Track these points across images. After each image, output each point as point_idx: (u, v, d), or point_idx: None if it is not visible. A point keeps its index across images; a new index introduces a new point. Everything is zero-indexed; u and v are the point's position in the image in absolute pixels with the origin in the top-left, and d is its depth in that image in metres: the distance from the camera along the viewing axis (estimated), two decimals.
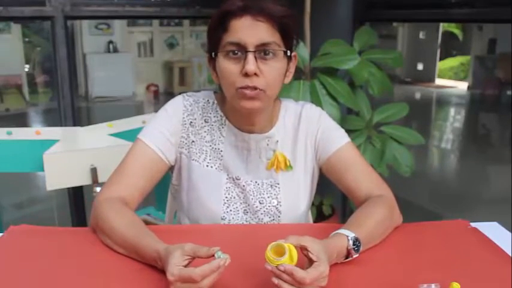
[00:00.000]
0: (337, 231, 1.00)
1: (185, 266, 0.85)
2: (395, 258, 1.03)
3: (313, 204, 2.49)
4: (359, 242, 0.98)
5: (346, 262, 0.98)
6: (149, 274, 0.94)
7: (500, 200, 3.60)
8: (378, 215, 1.08)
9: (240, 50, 1.05)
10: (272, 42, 1.05)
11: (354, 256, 0.97)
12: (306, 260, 0.88)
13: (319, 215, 2.48)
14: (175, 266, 0.84)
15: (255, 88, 1.06)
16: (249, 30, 1.04)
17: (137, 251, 0.98)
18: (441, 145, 6.04)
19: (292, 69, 1.16)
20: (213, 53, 1.10)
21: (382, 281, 0.93)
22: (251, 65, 1.03)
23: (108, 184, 1.14)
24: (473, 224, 1.18)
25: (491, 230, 1.15)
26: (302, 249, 0.88)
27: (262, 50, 1.05)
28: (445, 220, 1.25)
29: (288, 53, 1.10)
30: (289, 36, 1.09)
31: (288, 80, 1.15)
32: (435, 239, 1.13)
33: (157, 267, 0.93)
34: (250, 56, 1.04)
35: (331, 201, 2.55)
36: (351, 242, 0.97)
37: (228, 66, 1.07)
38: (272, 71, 1.07)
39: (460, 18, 2.71)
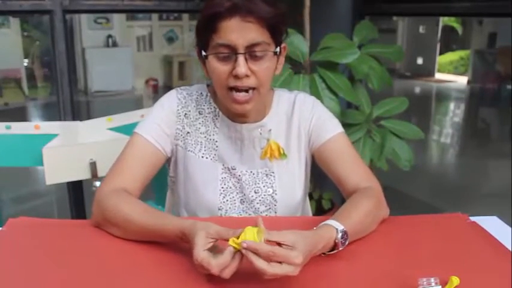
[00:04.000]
0: (325, 222, 1.00)
1: (211, 247, 0.88)
2: (394, 252, 1.04)
3: (312, 198, 2.51)
4: (347, 236, 0.98)
5: (344, 254, 0.98)
6: (151, 266, 0.95)
7: (499, 194, 3.60)
8: (365, 207, 1.09)
9: (230, 52, 1.05)
10: (262, 42, 1.06)
11: (340, 249, 0.97)
12: None
13: (319, 209, 2.49)
14: (200, 250, 0.86)
15: (247, 90, 1.07)
16: (238, 31, 1.04)
17: (159, 233, 1.00)
18: (441, 139, 6.04)
19: (282, 61, 1.17)
20: (203, 53, 1.10)
21: (381, 274, 0.93)
22: (242, 67, 1.04)
23: (109, 177, 1.15)
24: (472, 218, 1.18)
25: (491, 224, 1.15)
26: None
27: (253, 51, 1.05)
28: (444, 214, 1.25)
29: (278, 49, 1.10)
30: (278, 33, 1.10)
31: (278, 71, 1.16)
32: (434, 232, 1.13)
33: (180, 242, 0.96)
34: (241, 58, 1.05)
35: (331, 196, 2.56)
36: (339, 235, 0.97)
37: (218, 67, 1.07)
38: (263, 70, 1.08)
39: (460, 12, 2.70)
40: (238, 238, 0.86)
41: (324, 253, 0.97)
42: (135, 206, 1.06)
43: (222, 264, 0.85)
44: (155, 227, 1.00)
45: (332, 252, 0.98)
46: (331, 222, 0.99)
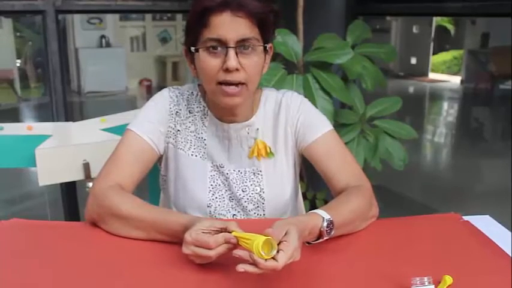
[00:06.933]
0: (312, 211, 1.01)
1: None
2: (388, 252, 1.04)
3: (306, 198, 2.51)
4: (332, 225, 0.99)
5: (338, 254, 0.98)
6: (148, 268, 0.94)
7: (492, 193, 3.62)
8: (353, 203, 1.10)
9: (221, 46, 1.06)
10: (252, 38, 1.07)
11: (325, 238, 0.98)
12: None
13: (313, 209, 2.49)
14: (197, 230, 0.91)
15: (237, 85, 1.08)
16: (229, 26, 1.05)
17: (160, 229, 1.03)
18: (434, 139, 6.07)
19: (268, 61, 1.18)
20: (192, 48, 1.11)
21: (375, 274, 0.94)
22: (232, 60, 1.05)
23: (104, 174, 1.15)
24: (465, 217, 1.19)
25: (483, 223, 1.16)
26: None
27: (242, 45, 1.07)
28: (437, 213, 1.26)
29: (266, 46, 1.12)
30: (267, 30, 1.11)
31: (264, 70, 1.17)
32: (428, 232, 1.13)
33: (177, 242, 0.98)
34: (232, 52, 1.06)
35: (325, 196, 2.56)
36: (325, 224, 0.98)
37: (208, 61, 1.08)
38: (252, 65, 1.09)
39: (453, 12, 2.71)
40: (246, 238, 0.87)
41: (309, 242, 0.98)
42: (134, 201, 1.08)
43: (219, 241, 0.89)
44: (158, 221, 1.03)
45: (317, 242, 0.98)
46: (317, 211, 1.01)
